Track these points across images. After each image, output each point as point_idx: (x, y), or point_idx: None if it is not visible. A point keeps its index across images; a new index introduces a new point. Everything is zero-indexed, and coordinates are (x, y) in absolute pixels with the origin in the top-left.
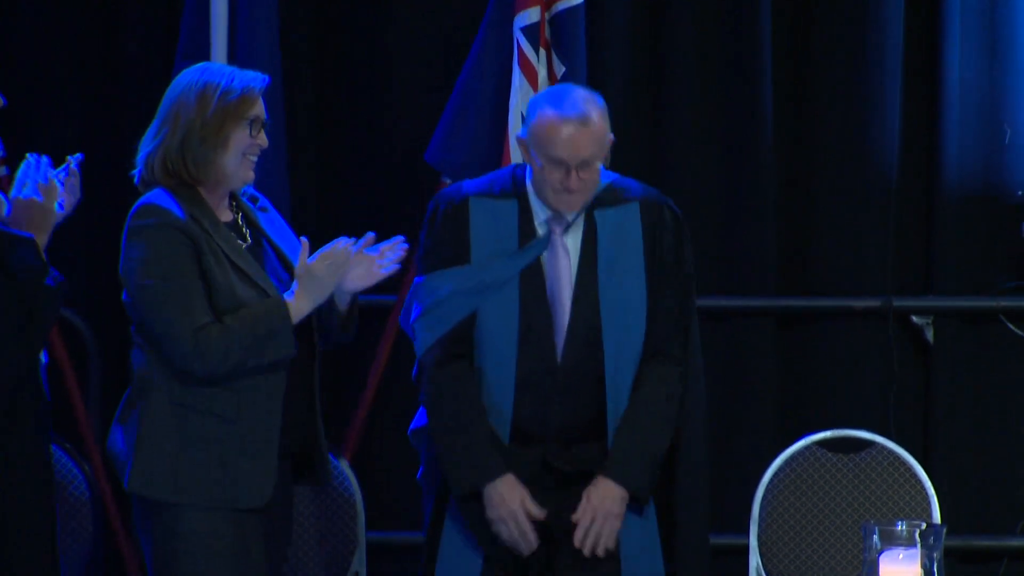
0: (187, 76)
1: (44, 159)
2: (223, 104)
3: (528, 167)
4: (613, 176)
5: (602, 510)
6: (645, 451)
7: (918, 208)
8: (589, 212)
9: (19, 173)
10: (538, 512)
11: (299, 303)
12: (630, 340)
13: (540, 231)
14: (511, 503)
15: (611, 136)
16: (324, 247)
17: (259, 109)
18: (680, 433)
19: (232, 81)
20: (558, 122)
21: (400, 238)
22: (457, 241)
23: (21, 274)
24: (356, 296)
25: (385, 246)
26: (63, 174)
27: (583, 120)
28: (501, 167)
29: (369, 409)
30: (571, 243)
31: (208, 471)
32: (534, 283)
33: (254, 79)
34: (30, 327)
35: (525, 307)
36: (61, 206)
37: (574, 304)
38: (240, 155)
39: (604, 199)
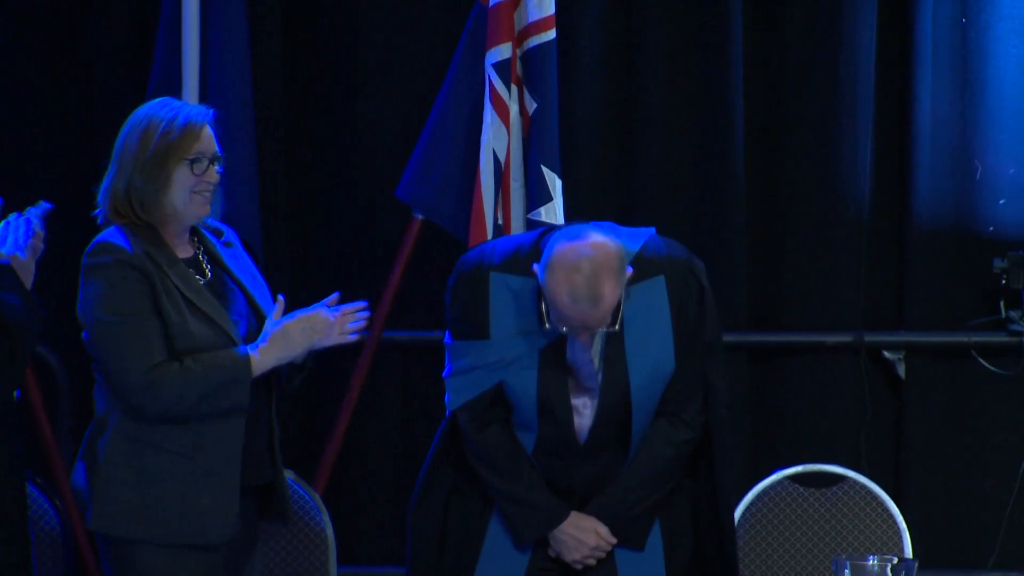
0: (136, 115)
1: (30, 219)
2: (163, 143)
3: (555, 240)
4: (642, 238)
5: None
6: (630, 501)
7: (890, 244)
8: None
9: (0, 229)
10: (609, 536)
11: (264, 357)
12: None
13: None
14: (588, 540)
15: (629, 270)
16: (304, 310)
17: (204, 145)
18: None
19: (174, 118)
20: (570, 304)
21: (363, 303)
22: (477, 316)
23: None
24: (312, 352)
25: (347, 309)
26: (32, 228)
27: (594, 301)
28: (472, 204)
29: (340, 443)
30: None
31: (166, 508)
32: (555, 363)
33: (197, 114)
34: (11, 354)
35: (543, 386)
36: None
37: (603, 386)
38: (187, 192)
39: (629, 277)
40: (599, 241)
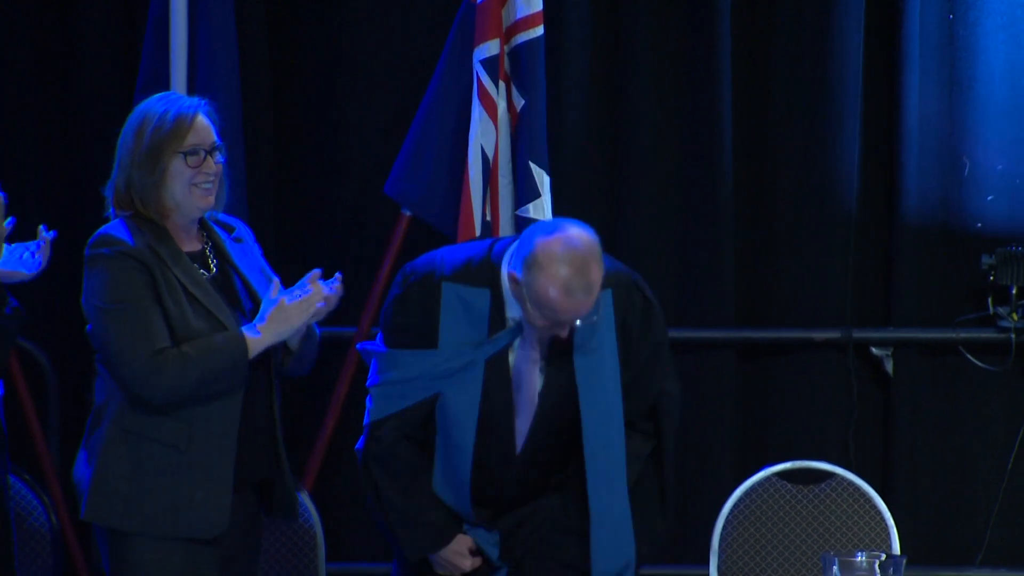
0: (135, 111)
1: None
2: (156, 137)
3: (505, 249)
4: None
5: None
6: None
7: (878, 240)
8: None
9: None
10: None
11: (262, 336)
12: (611, 414)
13: (511, 322)
14: (463, 564)
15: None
16: (298, 286)
17: (197, 137)
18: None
19: (166, 112)
20: (566, 297)
21: (337, 275)
22: (427, 325)
23: None
24: (313, 330)
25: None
26: (35, 246)
27: (589, 290)
28: (460, 200)
29: (329, 440)
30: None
31: (159, 500)
32: (499, 372)
33: (189, 106)
34: None
35: (487, 395)
36: (31, 268)
37: (543, 393)
38: (186, 185)
39: None
40: (579, 231)
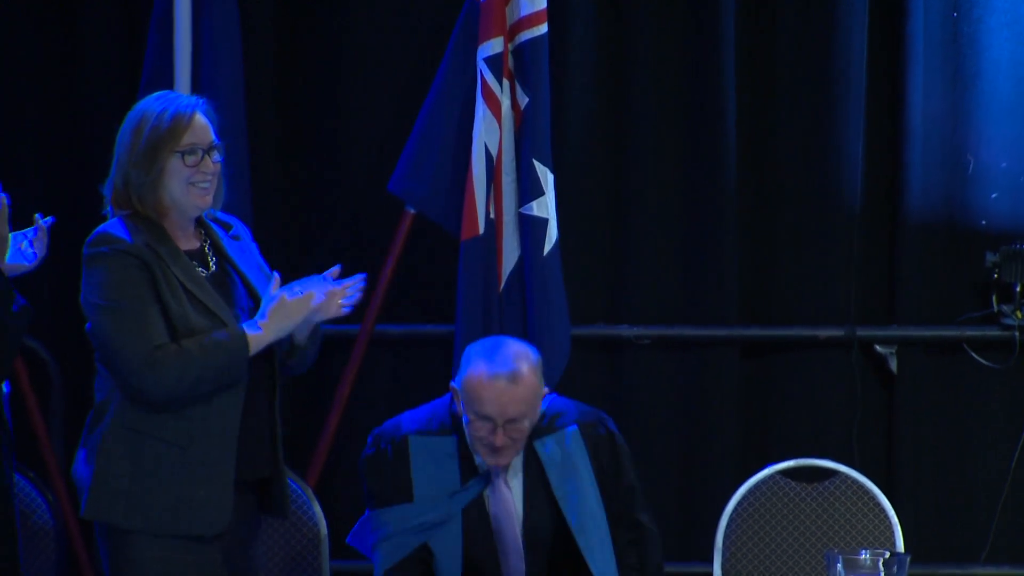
0: (134, 110)
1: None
2: (153, 136)
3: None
4: (546, 401)
5: None
6: None
7: (881, 237)
8: (528, 443)
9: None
10: None
11: (263, 333)
12: (600, 539)
13: (481, 468)
14: None
15: (545, 389)
16: (299, 282)
17: (195, 136)
18: None
19: (163, 111)
20: (487, 380)
21: (361, 275)
22: (399, 480)
23: None
24: (318, 327)
25: (348, 283)
26: (32, 234)
27: (512, 378)
28: (464, 198)
29: (333, 437)
30: (512, 477)
31: (160, 498)
32: (478, 519)
33: (186, 105)
34: None
35: (469, 543)
36: (30, 259)
37: (526, 534)
38: (183, 184)
39: (541, 429)
40: (512, 340)
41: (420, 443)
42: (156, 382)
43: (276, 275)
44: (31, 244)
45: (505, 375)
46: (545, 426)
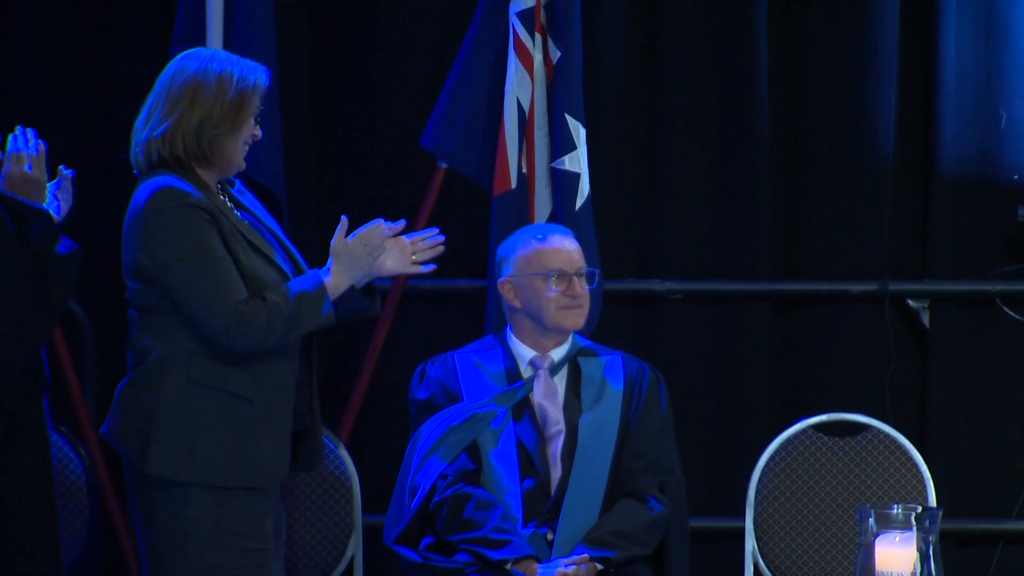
0: (193, 61)
1: (31, 132)
2: (241, 91)
3: (508, 325)
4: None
5: None
6: (613, 540)
7: (914, 192)
8: (573, 359)
9: (9, 148)
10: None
11: (337, 280)
12: (595, 475)
13: (526, 373)
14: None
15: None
16: (362, 227)
17: (262, 101)
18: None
19: (244, 71)
20: (548, 241)
21: (435, 229)
22: (449, 387)
23: (37, 244)
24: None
25: (419, 236)
26: (56, 187)
27: (568, 235)
28: (496, 153)
29: (365, 393)
30: (558, 381)
31: (225, 449)
32: (522, 409)
33: (265, 72)
34: (48, 295)
35: (520, 437)
36: (55, 211)
37: (566, 435)
38: (242, 143)
39: (586, 351)
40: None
41: (466, 358)
42: (245, 336)
43: (344, 218)
44: (55, 197)
45: (560, 234)
46: (591, 349)
